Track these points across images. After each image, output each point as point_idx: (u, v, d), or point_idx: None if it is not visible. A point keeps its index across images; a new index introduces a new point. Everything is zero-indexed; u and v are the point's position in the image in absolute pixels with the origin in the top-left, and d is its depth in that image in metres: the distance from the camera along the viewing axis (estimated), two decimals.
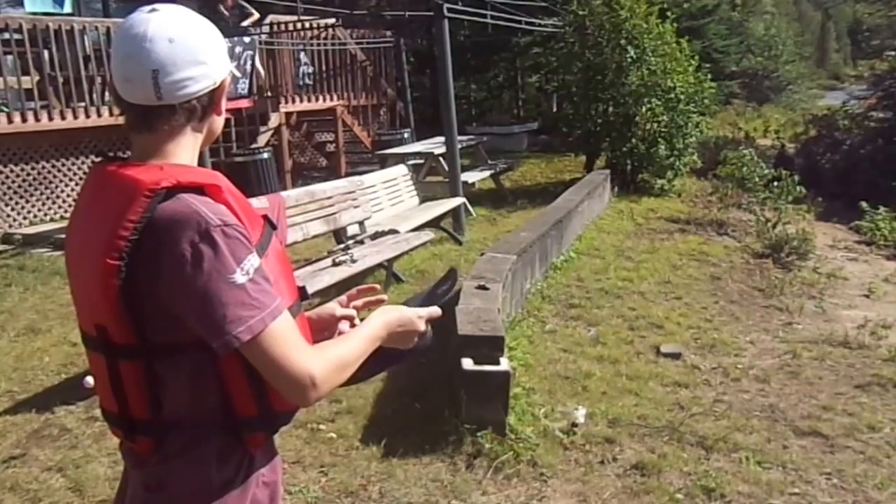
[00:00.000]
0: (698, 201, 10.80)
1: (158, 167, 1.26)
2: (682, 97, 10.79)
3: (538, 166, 14.09)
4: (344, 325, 1.59)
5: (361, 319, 1.57)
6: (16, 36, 8.83)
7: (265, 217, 1.39)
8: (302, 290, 1.50)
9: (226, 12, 10.65)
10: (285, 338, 1.24)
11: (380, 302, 1.66)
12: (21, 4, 10.78)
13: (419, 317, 1.53)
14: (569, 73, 12.12)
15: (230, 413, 1.32)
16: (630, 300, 6.12)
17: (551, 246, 6.64)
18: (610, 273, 6.80)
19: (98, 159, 1.35)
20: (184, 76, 1.27)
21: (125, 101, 1.29)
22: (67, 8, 10.98)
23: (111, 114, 9.70)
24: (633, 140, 10.82)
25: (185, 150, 1.34)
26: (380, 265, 6.04)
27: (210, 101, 1.34)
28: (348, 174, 11.15)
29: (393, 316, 1.49)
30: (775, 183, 9.09)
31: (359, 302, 1.65)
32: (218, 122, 1.40)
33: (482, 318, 3.92)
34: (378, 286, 1.74)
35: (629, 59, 10.84)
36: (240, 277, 1.20)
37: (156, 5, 1.31)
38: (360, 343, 1.40)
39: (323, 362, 1.27)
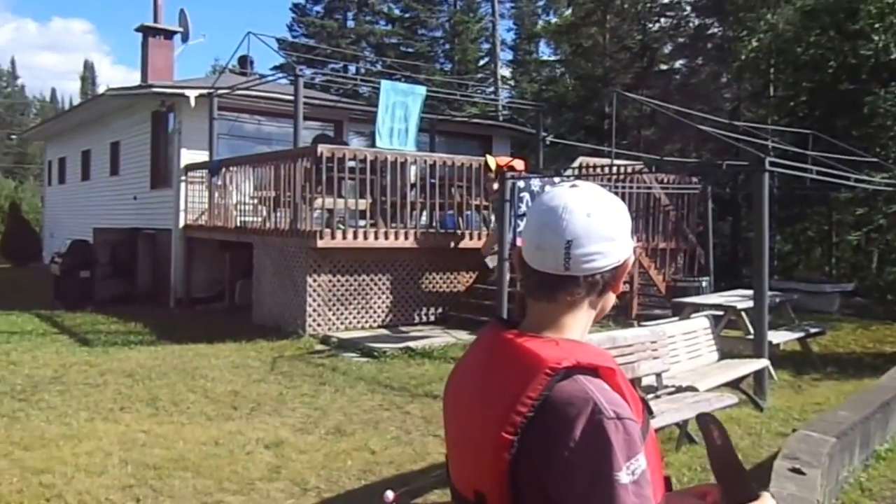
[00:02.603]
0: None
1: (554, 342, 1.27)
2: None
3: (852, 332, 12.75)
4: None
5: None
6: (359, 165, 10.07)
7: (643, 401, 1.35)
8: (667, 480, 1.43)
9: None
10: None
11: None
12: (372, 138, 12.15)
13: None
14: None
15: None
16: None
17: (874, 431, 5.88)
18: None
19: (492, 320, 1.40)
20: (594, 250, 1.29)
21: (530, 267, 1.33)
22: (411, 146, 12.13)
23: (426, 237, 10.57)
24: None
25: (579, 324, 1.34)
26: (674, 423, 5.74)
27: (612, 277, 1.34)
28: (638, 316, 10.97)
29: None
30: None
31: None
32: (611, 299, 1.39)
33: None
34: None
35: None
36: (624, 477, 1.15)
37: (576, 182, 1.37)
38: None
39: None
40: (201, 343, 9.65)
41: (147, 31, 16.77)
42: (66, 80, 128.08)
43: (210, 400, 6.94)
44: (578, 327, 1.34)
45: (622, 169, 12.60)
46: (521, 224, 9.01)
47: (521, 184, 9.23)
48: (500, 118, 23.09)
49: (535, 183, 9.47)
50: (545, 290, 1.32)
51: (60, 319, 12.03)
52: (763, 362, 7.53)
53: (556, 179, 10.73)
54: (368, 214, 10.46)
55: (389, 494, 4.50)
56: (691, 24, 22.41)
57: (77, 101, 55.72)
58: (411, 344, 9.26)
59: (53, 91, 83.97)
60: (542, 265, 1.31)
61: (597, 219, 1.30)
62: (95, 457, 5.28)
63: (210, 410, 6.58)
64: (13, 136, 42.21)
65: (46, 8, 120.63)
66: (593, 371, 1.24)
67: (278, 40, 28.83)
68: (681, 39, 23.28)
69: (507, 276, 9.05)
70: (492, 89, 31.04)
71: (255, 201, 12.06)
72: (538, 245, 1.31)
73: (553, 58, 31.13)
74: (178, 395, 7.07)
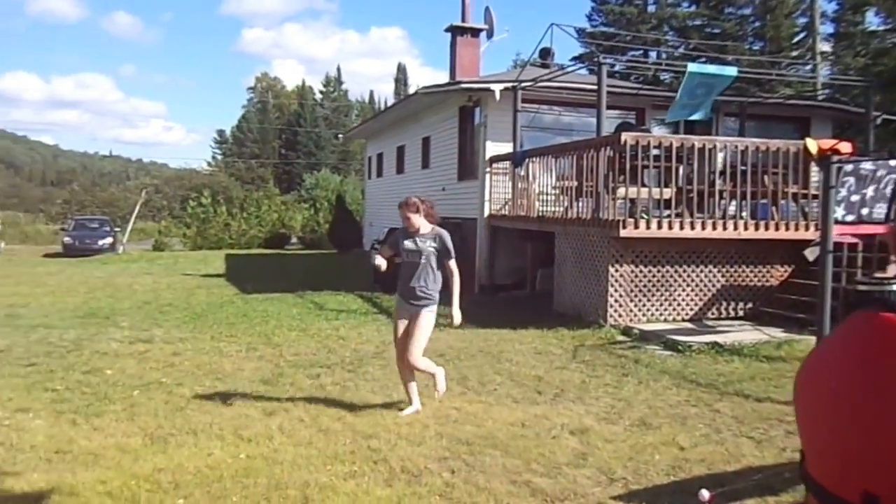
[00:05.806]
0: None
1: None
2: None
3: None
4: None
5: None
6: (663, 153, 9.74)
7: None
8: None
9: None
10: None
11: None
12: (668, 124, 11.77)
13: None
14: None
15: None
16: None
17: None
18: None
19: (865, 306, 1.23)
20: None
21: None
22: (701, 115, 11.53)
23: (735, 227, 9.94)
24: None
25: None
26: None
27: None
28: None
29: None
30: None
31: None
32: None
33: None
34: None
35: None
36: None
37: None
38: None
39: None
40: (505, 328, 10.00)
41: (455, 31, 17.70)
42: (382, 83, 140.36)
43: (515, 383, 7.15)
44: None
45: None
46: (839, 210, 8.15)
47: (848, 167, 8.33)
48: (820, 97, 21.08)
49: (866, 167, 8.49)
50: None
51: (379, 301, 13.17)
52: None
53: (892, 162, 9.54)
54: (673, 203, 10.10)
55: (705, 493, 4.28)
56: None
57: (391, 102, 60.65)
58: (718, 339, 8.79)
59: (371, 93, 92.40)
60: None
61: None
62: (414, 427, 5.68)
63: (516, 393, 6.78)
64: (339, 136, 47.00)
65: (366, 19, 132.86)
66: None
67: (578, 30, 28.94)
68: None
69: (831, 271, 8.22)
70: (809, 67, 28.49)
71: (557, 191, 12.20)
72: None
73: (884, 27, 27.74)
74: (485, 377, 7.39)
